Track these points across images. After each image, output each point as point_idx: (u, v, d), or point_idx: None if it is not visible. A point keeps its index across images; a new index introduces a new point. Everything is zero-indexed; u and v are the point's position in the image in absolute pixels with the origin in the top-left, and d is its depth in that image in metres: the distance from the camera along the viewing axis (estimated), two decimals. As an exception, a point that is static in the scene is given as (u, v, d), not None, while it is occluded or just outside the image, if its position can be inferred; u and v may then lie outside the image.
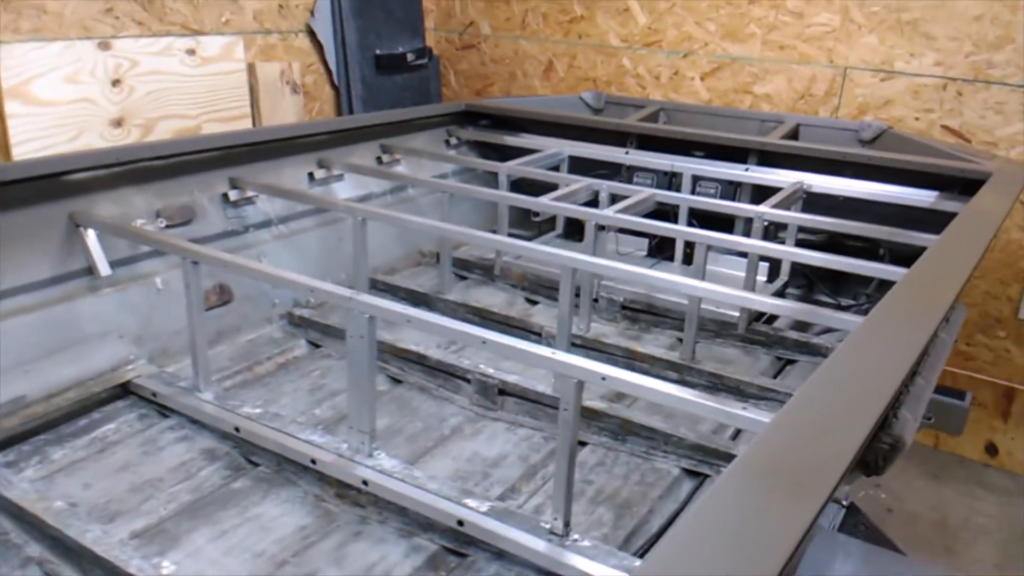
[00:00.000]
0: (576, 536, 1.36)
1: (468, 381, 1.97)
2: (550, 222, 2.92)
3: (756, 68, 3.23)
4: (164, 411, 1.79)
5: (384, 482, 1.50)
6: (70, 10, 2.50)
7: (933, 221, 2.02)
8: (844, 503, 1.70)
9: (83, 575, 1.33)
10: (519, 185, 2.67)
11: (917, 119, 2.97)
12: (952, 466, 3.10)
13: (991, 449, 3.10)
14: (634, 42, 3.44)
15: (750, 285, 2.20)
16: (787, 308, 1.75)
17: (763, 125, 2.89)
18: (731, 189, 2.63)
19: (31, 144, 2.44)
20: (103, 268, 1.88)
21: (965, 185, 2.21)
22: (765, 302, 1.72)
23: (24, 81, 2.41)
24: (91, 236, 1.87)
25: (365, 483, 1.51)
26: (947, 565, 2.57)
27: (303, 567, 1.40)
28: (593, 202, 2.41)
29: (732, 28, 3.23)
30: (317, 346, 2.18)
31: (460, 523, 1.41)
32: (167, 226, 2.03)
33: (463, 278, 2.65)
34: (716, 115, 3.07)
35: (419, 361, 2.05)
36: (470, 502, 1.43)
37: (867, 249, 2.41)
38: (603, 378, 1.24)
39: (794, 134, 2.83)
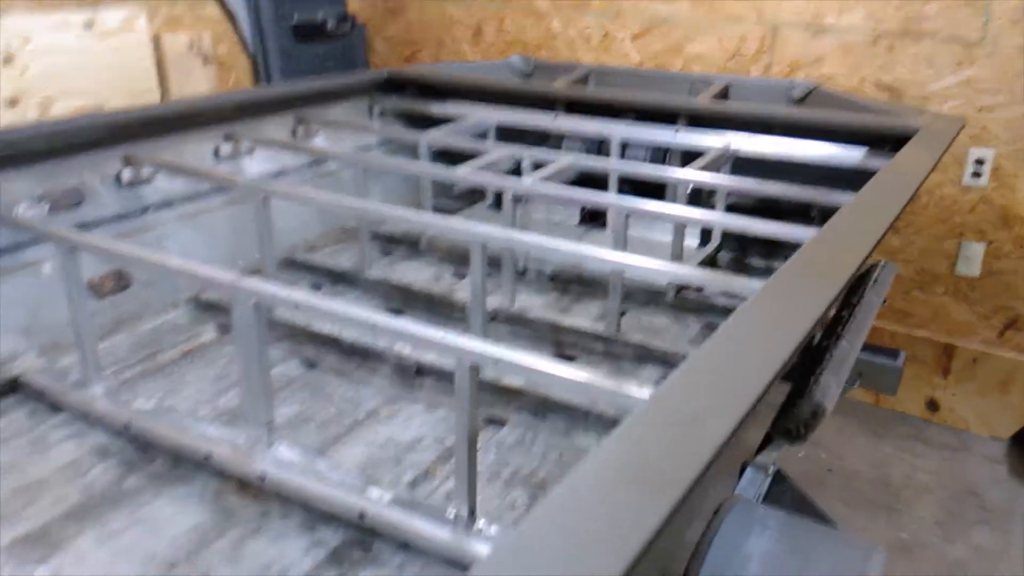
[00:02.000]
0: (482, 523, 1.29)
1: (385, 362, 1.88)
2: (480, 191, 2.82)
3: (686, 28, 3.14)
4: (55, 407, 1.67)
5: (283, 475, 1.40)
6: (-54, -20, 2.32)
7: (862, 180, 1.97)
8: (770, 471, 1.65)
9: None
10: (444, 155, 2.56)
11: (848, 76, 2.92)
12: (893, 423, 3.10)
13: (932, 405, 3.11)
14: (562, 4, 3.32)
15: (677, 252, 2.13)
16: (699, 277, 1.68)
17: (693, 86, 2.81)
18: (661, 154, 2.55)
19: (-90, 127, 2.26)
20: (-19, 257, 1.74)
21: (893, 141, 2.16)
22: (681, 272, 1.64)
23: (-102, 58, 2.23)
24: (-34, 222, 1.72)
25: (262, 478, 1.41)
26: (888, 524, 2.56)
27: (196, 568, 1.31)
28: (516, 171, 2.31)
29: (662, -13, 3.14)
30: (226, 332, 2.07)
31: (361, 516, 1.32)
32: (52, 210, 1.88)
33: (388, 254, 2.55)
34: (646, 77, 2.98)
35: (334, 343, 1.95)
36: (373, 493, 1.35)
37: (799, 211, 2.36)
38: (496, 361, 1.15)
39: (724, 95, 2.76)
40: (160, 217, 2.14)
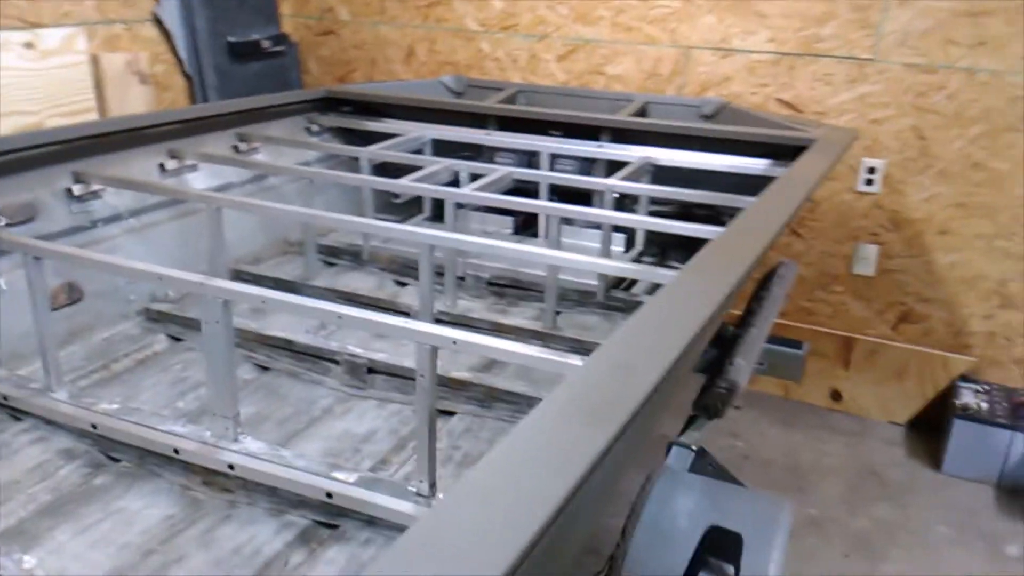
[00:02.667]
0: (442, 496, 1.42)
1: (337, 363, 1.99)
2: (417, 206, 2.95)
3: (607, 50, 3.36)
4: (17, 414, 1.73)
5: (251, 464, 1.51)
6: None
7: (766, 186, 2.19)
8: (694, 448, 1.83)
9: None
10: (383, 170, 2.69)
11: (754, 93, 3.18)
12: (802, 413, 3.36)
13: (835, 395, 3.38)
14: (492, 26, 3.51)
15: (605, 254, 2.31)
16: (624, 269, 1.86)
17: (615, 104, 3.02)
18: (587, 166, 2.74)
19: None
20: (-63, 271, 1.79)
21: (793, 152, 2.39)
22: (608, 265, 1.82)
23: None
24: (-79, 237, 1.77)
25: (231, 467, 1.51)
26: (799, 502, 2.78)
27: (171, 554, 1.40)
28: (454, 183, 2.46)
29: (583, 11, 3.35)
30: (178, 339, 2.14)
31: (329, 495, 1.44)
32: (7, 224, 1.94)
33: (331, 264, 2.66)
34: (571, 95, 3.19)
35: (286, 347, 2.05)
36: (339, 475, 1.47)
37: (712, 216, 2.58)
38: (454, 342, 1.30)
39: (643, 112, 2.98)
40: (108, 231, 2.20)
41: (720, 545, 1.33)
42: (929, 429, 3.20)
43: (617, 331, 1.06)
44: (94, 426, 1.63)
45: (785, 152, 2.47)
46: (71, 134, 2.16)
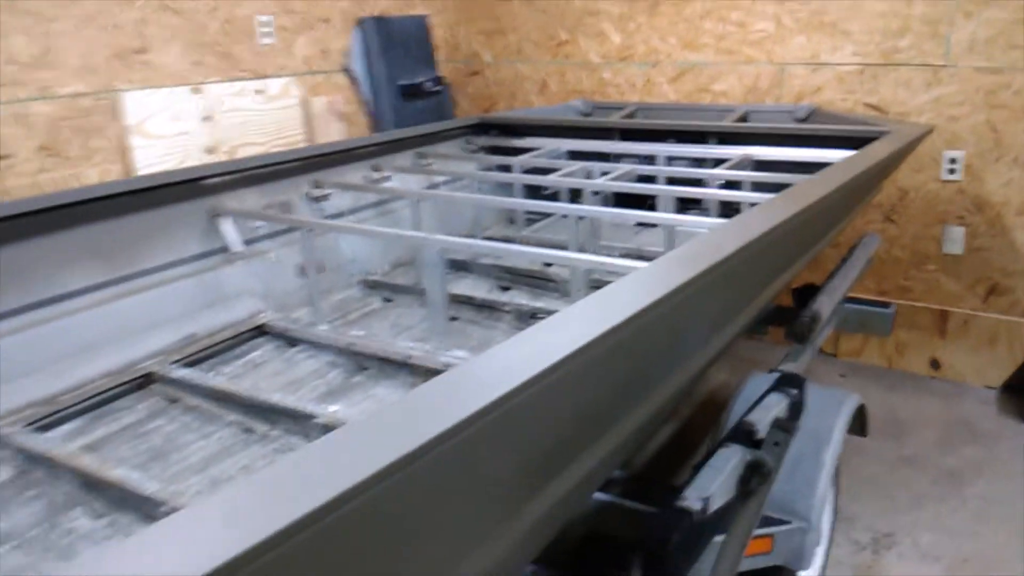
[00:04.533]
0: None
1: (507, 312, 2.65)
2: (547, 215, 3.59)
3: (712, 70, 3.95)
4: (292, 342, 2.47)
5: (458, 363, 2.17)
6: (169, 64, 3.22)
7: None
8: (780, 370, 2.31)
9: (273, 425, 1.99)
10: (532, 174, 3.35)
11: (844, 100, 3.68)
12: (904, 380, 3.77)
13: (935, 364, 3.77)
14: (611, 58, 4.17)
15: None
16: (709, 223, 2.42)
17: (720, 114, 3.60)
18: (696, 165, 3.32)
19: (149, 169, 3.14)
20: (236, 246, 2.57)
21: (869, 142, 2.90)
22: (703, 221, 2.39)
23: (141, 120, 3.12)
24: (227, 223, 2.56)
25: (446, 366, 2.18)
26: (895, 446, 3.21)
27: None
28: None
29: (689, 40, 3.96)
30: (388, 300, 2.86)
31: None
32: (261, 220, 2.72)
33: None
34: (682, 109, 3.79)
35: (468, 301, 2.72)
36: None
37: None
38: (601, 264, 1.92)
39: (744, 119, 3.54)
40: (332, 224, 2.96)
41: (788, 382, 1.85)
42: (1021, 390, 3.54)
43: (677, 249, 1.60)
44: (349, 345, 2.34)
45: (863, 143, 2.97)
46: (309, 152, 2.95)
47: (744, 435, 1.62)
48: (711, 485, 1.46)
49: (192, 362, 2.28)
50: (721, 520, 1.51)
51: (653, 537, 1.33)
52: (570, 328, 1.15)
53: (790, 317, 2.38)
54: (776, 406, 1.77)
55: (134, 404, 2.10)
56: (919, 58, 3.48)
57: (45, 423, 1.95)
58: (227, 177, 2.63)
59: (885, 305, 3.08)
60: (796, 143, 3.12)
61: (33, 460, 1.80)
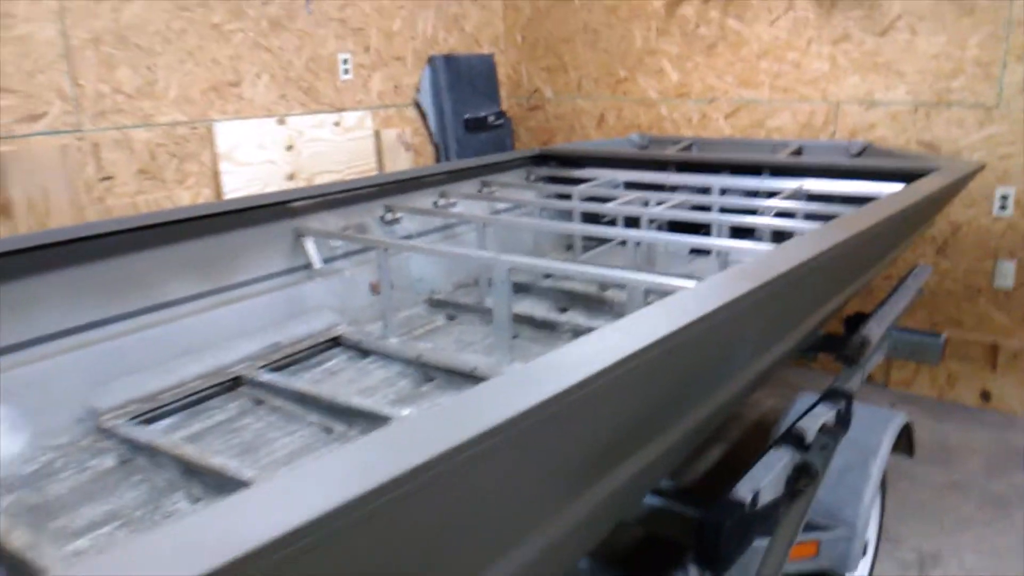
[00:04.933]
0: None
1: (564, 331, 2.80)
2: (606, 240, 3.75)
3: (767, 107, 4.08)
4: (364, 353, 2.66)
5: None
6: (258, 97, 3.50)
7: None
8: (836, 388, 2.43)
9: (350, 425, 2.17)
10: (591, 202, 3.52)
11: (897, 137, 3.78)
12: (954, 411, 3.80)
13: (985, 396, 3.79)
14: (669, 94, 4.33)
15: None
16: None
17: (775, 148, 3.73)
18: (751, 197, 3.44)
19: (236, 193, 3.40)
20: (317, 263, 2.78)
21: (922, 177, 3.00)
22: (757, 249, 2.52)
23: (231, 148, 3.39)
24: (310, 242, 2.78)
25: (510, 377, 2.33)
26: (943, 471, 3.25)
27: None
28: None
29: (746, 78, 4.11)
30: (452, 318, 3.04)
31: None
32: (340, 240, 2.93)
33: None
34: (737, 143, 3.92)
35: (529, 321, 2.89)
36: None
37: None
38: (656, 282, 2.07)
39: (798, 153, 3.66)
40: (406, 244, 3.16)
41: (836, 394, 1.96)
42: (1073, 425, 3.55)
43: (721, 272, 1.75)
44: (419, 357, 2.52)
45: (915, 178, 3.07)
46: (382, 180, 3.17)
47: (794, 439, 1.74)
48: (761, 481, 1.58)
49: (276, 368, 2.49)
50: (769, 516, 1.63)
51: (706, 525, 1.46)
52: (627, 334, 1.30)
53: (841, 344, 2.48)
54: (824, 415, 1.88)
55: (225, 404, 2.30)
56: (972, 98, 3.57)
57: (147, 417, 2.16)
58: (310, 201, 2.86)
59: (936, 335, 3.15)
60: (849, 176, 3.23)
61: (137, 449, 2.01)
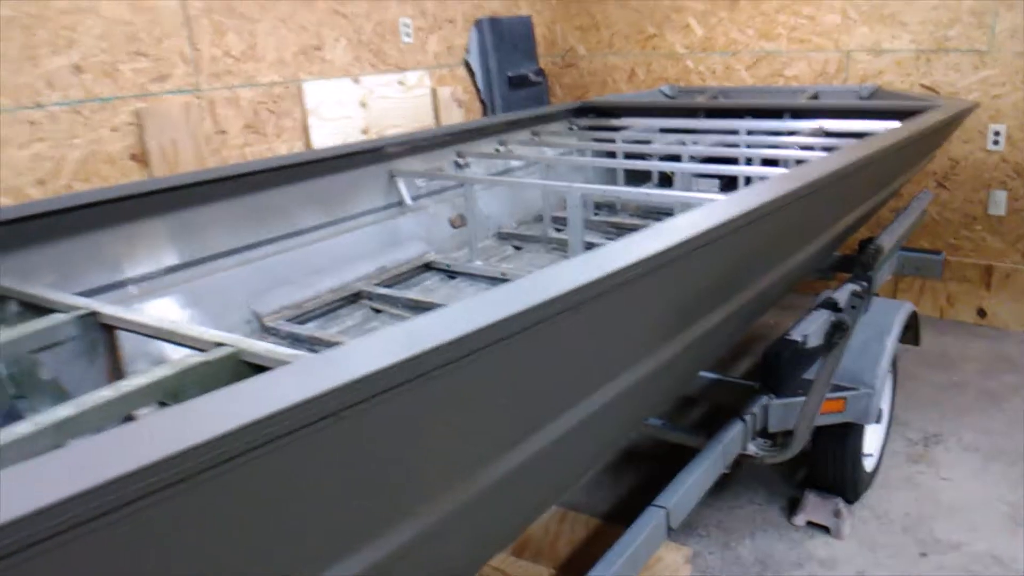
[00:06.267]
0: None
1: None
2: (648, 177, 4.24)
3: (784, 58, 4.53)
4: (452, 275, 3.15)
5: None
6: (337, 59, 3.95)
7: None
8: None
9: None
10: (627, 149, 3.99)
11: (902, 82, 4.23)
12: (953, 327, 4.30)
13: (981, 313, 4.29)
14: (695, 48, 4.78)
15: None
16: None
17: (793, 94, 4.18)
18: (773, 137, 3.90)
19: (322, 146, 3.87)
20: (408, 201, 3.26)
21: (920, 114, 3.46)
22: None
23: (316, 105, 3.85)
24: (401, 182, 3.26)
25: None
26: (945, 373, 3.76)
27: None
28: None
29: (765, 31, 4.55)
30: (518, 248, 3.53)
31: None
32: (432, 179, 3.41)
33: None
34: (759, 91, 4.37)
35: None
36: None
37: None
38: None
39: (815, 98, 4.11)
40: (493, 179, 3.64)
41: (859, 277, 2.44)
42: (1059, 334, 4.05)
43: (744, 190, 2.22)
44: (503, 274, 3.01)
45: (914, 115, 3.53)
46: (454, 129, 3.64)
47: (830, 304, 2.24)
48: (808, 329, 2.08)
49: (385, 285, 2.98)
50: (814, 356, 2.12)
51: (768, 355, 1.96)
52: (680, 225, 1.75)
53: (855, 259, 2.97)
54: (852, 288, 2.38)
55: (351, 312, 2.81)
56: (967, 45, 4.01)
57: (297, 320, 2.66)
58: (399, 147, 3.33)
59: (937, 252, 3.64)
60: (861, 116, 3.68)
61: (299, 342, 2.51)
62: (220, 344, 1.44)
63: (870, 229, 3.61)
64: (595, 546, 2.19)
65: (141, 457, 0.75)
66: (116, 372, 1.71)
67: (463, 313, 1.14)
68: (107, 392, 1.27)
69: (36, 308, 1.81)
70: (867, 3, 4.23)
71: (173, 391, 1.33)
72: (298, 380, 0.93)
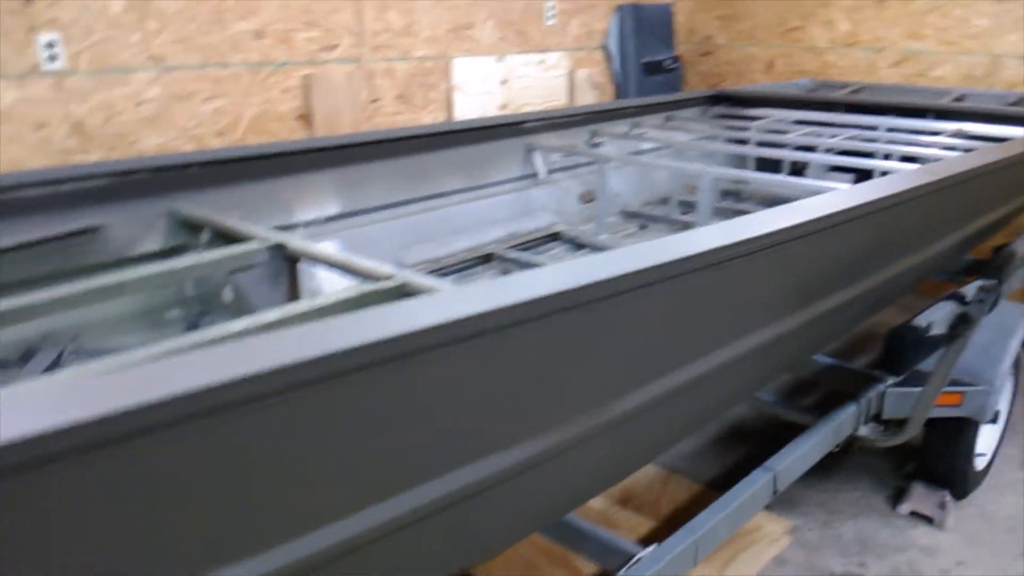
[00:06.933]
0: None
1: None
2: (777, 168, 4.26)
3: (932, 58, 4.44)
4: (578, 246, 3.32)
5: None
6: (484, 38, 4.17)
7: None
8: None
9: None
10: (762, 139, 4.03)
11: (1056, 88, 4.08)
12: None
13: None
14: (838, 43, 4.74)
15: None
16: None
17: (937, 95, 4.10)
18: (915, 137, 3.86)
19: (462, 116, 4.10)
20: (542, 174, 3.45)
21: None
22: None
23: (462, 81, 4.09)
24: (537, 156, 3.45)
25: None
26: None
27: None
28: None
29: (913, 30, 4.47)
30: (643, 227, 3.66)
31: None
32: (566, 154, 3.58)
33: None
34: (904, 89, 4.31)
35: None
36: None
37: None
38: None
39: (960, 99, 4.03)
40: (626, 158, 3.78)
41: (988, 276, 2.46)
42: None
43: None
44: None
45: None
46: (590, 109, 3.79)
47: (957, 296, 2.28)
48: (931, 317, 2.14)
49: (516, 249, 3.19)
50: (936, 345, 2.18)
51: (892, 337, 2.04)
52: (809, 206, 1.83)
53: (988, 263, 2.95)
54: (980, 283, 2.41)
55: (484, 272, 3.02)
56: None
57: (437, 275, 2.90)
58: (537, 123, 3.52)
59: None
60: (1005, 122, 3.60)
61: (437, 293, 2.74)
62: (390, 276, 1.66)
63: (1006, 236, 3.54)
64: (695, 508, 2.32)
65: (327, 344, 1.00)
66: (294, 299, 1.98)
67: (620, 257, 1.32)
68: (300, 305, 1.51)
69: (227, 237, 2.10)
70: (1021, 9, 4.10)
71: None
72: (482, 294, 1.14)
